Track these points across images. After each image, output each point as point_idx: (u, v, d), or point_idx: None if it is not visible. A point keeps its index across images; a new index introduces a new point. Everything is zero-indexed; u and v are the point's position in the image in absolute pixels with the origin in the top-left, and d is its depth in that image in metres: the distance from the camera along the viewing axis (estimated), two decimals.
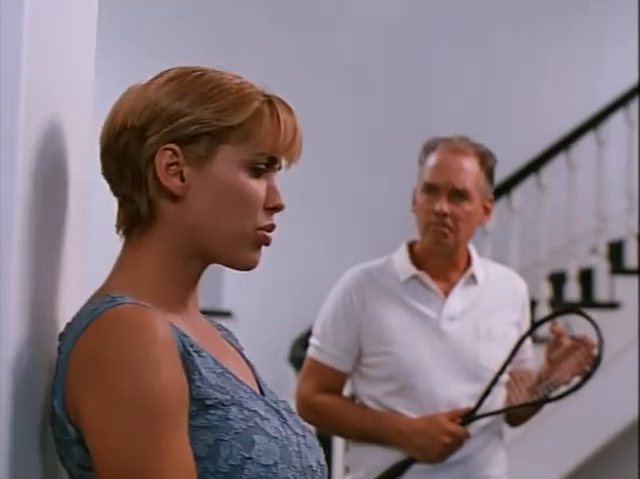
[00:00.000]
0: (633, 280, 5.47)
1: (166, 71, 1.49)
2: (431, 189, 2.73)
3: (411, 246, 2.83)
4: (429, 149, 2.78)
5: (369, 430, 2.72)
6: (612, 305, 5.43)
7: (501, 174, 5.08)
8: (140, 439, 1.30)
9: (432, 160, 2.75)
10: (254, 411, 1.42)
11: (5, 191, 1.33)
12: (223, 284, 6.12)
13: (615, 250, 5.60)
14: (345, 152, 6.41)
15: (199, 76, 1.46)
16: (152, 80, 1.48)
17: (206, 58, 5.93)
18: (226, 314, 6.19)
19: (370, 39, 6.51)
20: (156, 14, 6.22)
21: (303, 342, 4.77)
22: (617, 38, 6.70)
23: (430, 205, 2.72)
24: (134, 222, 1.45)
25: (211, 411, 1.37)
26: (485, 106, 6.60)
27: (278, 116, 1.46)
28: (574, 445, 5.03)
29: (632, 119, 5.66)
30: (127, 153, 1.43)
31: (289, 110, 1.49)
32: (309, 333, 4.85)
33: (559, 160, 5.54)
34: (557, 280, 5.56)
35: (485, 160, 2.77)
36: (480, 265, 2.83)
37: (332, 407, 2.77)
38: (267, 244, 1.48)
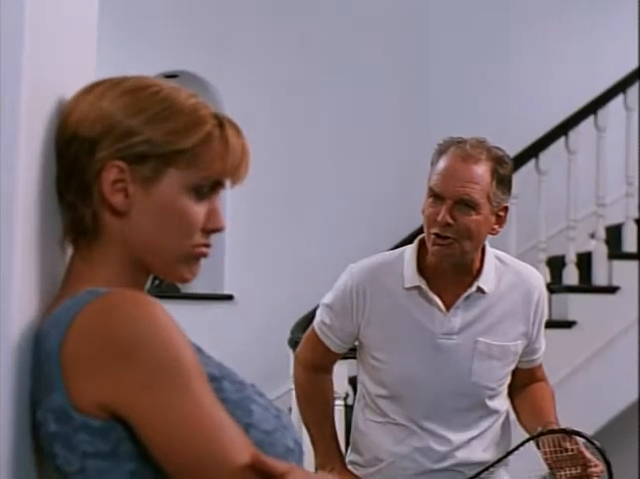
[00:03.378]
0: (631, 265, 5.49)
1: (123, 80, 1.49)
2: (436, 195, 2.60)
3: (422, 244, 2.70)
4: (441, 151, 2.63)
5: (310, 432, 2.89)
6: (611, 289, 5.46)
7: None
8: (181, 400, 1.34)
9: (441, 164, 2.60)
10: (243, 383, 1.48)
11: (6, 189, 1.34)
12: (224, 269, 6.14)
13: (614, 235, 5.61)
14: (346, 136, 6.42)
15: (155, 93, 1.46)
16: (106, 88, 1.47)
17: (205, 53, 5.89)
18: (227, 298, 6.21)
19: (371, 14, 6.52)
20: (156, 10, 6.23)
21: (303, 326, 4.80)
22: (617, 24, 6.71)
23: (434, 212, 2.59)
24: (79, 231, 1.47)
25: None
26: (485, 91, 6.61)
27: (228, 140, 1.47)
28: (574, 427, 5.05)
29: (631, 104, 5.68)
30: (76, 162, 1.45)
31: (238, 133, 1.49)
32: (309, 317, 4.90)
33: (558, 145, 5.56)
34: (556, 265, 5.58)
35: (499, 166, 2.61)
36: (491, 273, 2.69)
37: (306, 389, 2.89)
38: (205, 257, 1.50)
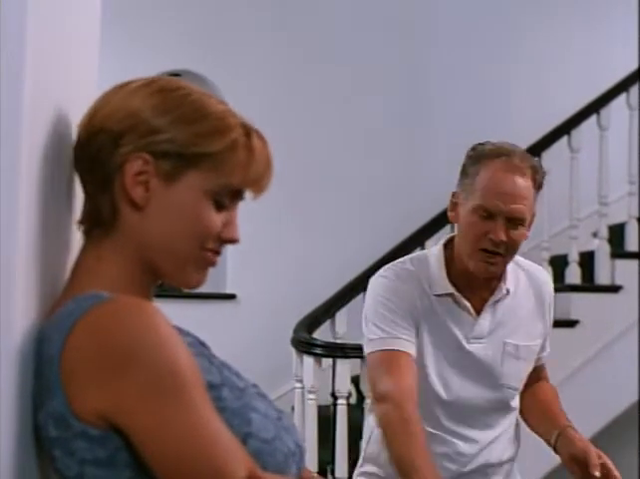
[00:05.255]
0: (634, 264, 5.49)
1: (155, 80, 1.50)
2: (487, 213, 2.52)
3: (446, 248, 2.65)
4: (480, 158, 2.56)
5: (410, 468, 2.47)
6: (613, 289, 5.45)
7: None
8: (180, 413, 1.33)
9: (487, 177, 2.53)
10: (244, 390, 1.47)
11: (7, 189, 1.34)
12: (227, 268, 6.15)
13: (616, 234, 5.61)
14: (347, 136, 6.42)
15: (186, 95, 1.48)
16: (138, 86, 1.49)
17: (207, 52, 5.88)
18: (230, 298, 6.22)
19: (372, 13, 6.52)
20: (157, 9, 6.23)
21: (306, 325, 4.81)
22: (618, 23, 6.71)
23: (483, 229, 2.53)
24: (95, 221, 1.47)
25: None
26: (487, 91, 6.61)
27: (253, 149, 1.48)
28: (576, 427, 5.05)
29: (633, 103, 5.67)
30: (99, 155, 1.45)
31: (265, 144, 1.50)
32: (311, 316, 4.90)
33: (561, 144, 5.56)
34: (559, 264, 5.57)
35: (538, 176, 2.56)
36: (512, 274, 2.68)
37: (404, 423, 2.49)
38: (213, 266, 1.51)
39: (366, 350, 2.62)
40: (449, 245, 2.67)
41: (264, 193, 1.52)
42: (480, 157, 2.56)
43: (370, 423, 2.78)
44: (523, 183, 2.52)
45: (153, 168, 1.44)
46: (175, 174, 1.44)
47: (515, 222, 2.53)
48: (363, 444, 2.82)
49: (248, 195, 1.52)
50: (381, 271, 2.68)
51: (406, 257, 2.73)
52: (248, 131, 1.49)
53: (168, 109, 1.45)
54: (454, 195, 2.63)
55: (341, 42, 6.44)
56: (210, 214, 1.47)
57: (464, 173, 2.59)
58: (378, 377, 2.58)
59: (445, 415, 2.65)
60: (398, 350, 2.56)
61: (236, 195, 1.50)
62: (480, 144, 2.62)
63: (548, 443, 2.70)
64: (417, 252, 2.76)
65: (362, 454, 2.80)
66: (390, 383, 2.53)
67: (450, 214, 2.64)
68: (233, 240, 1.50)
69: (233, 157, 1.46)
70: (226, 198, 1.48)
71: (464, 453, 2.67)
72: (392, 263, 2.71)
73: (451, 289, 2.62)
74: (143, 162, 1.44)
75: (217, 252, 1.50)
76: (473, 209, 2.54)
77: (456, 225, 2.69)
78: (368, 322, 2.64)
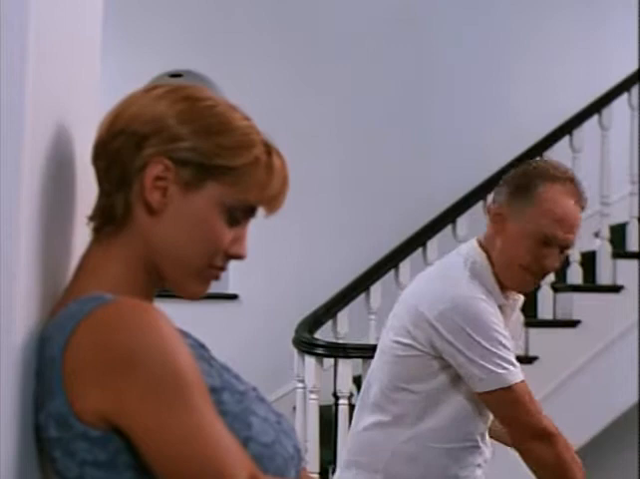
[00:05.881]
0: (635, 264, 5.49)
1: (182, 87, 1.51)
2: (546, 240, 2.47)
3: (482, 249, 2.57)
4: (541, 178, 2.50)
5: None
6: (614, 289, 5.45)
7: (505, 158, 5.10)
8: (182, 414, 1.33)
9: (552, 204, 2.48)
10: (244, 394, 1.47)
11: (10, 188, 1.34)
12: (229, 269, 6.15)
13: (618, 234, 5.61)
14: (346, 137, 6.43)
15: (212, 106, 1.48)
16: (165, 92, 1.49)
17: (209, 52, 5.87)
18: (232, 298, 6.22)
19: (372, 13, 6.52)
20: (159, 9, 6.23)
21: (308, 325, 4.81)
22: (618, 23, 6.72)
23: (539, 254, 2.48)
24: (107, 219, 1.47)
25: None
26: (489, 90, 6.62)
27: (273, 168, 1.48)
28: (574, 429, 5.03)
29: (635, 103, 5.67)
30: (119, 154, 1.45)
31: (283, 164, 1.50)
32: (313, 316, 4.90)
33: (563, 144, 5.55)
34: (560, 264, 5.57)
35: (584, 204, 2.56)
36: None
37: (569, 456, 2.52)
38: (216, 279, 1.51)
39: (494, 385, 2.46)
40: (483, 247, 2.58)
41: (278, 211, 1.52)
42: (541, 176, 2.51)
43: (384, 439, 2.60)
44: (580, 210, 2.53)
45: (173, 175, 1.44)
46: (195, 183, 1.44)
47: (565, 249, 2.52)
48: (374, 463, 2.62)
49: (261, 212, 1.51)
50: (466, 292, 2.50)
51: (457, 271, 2.55)
52: (269, 149, 1.49)
53: (193, 118, 1.46)
54: (499, 206, 2.54)
55: (341, 42, 6.44)
56: (222, 227, 1.47)
57: (518, 188, 2.52)
58: (531, 415, 2.50)
59: (486, 428, 2.62)
60: (523, 381, 2.50)
61: (250, 211, 1.50)
62: (535, 161, 2.58)
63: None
64: (461, 261, 2.58)
65: (376, 473, 2.61)
66: (544, 420, 2.50)
67: (494, 225, 2.53)
68: (240, 257, 1.50)
69: (254, 173, 1.46)
70: (241, 213, 1.48)
71: (488, 459, 2.66)
72: (458, 279, 2.53)
73: (504, 300, 2.57)
74: (163, 167, 1.44)
75: (223, 268, 1.50)
76: (531, 233, 2.49)
77: (491, 235, 2.56)
78: (482, 351, 2.46)
